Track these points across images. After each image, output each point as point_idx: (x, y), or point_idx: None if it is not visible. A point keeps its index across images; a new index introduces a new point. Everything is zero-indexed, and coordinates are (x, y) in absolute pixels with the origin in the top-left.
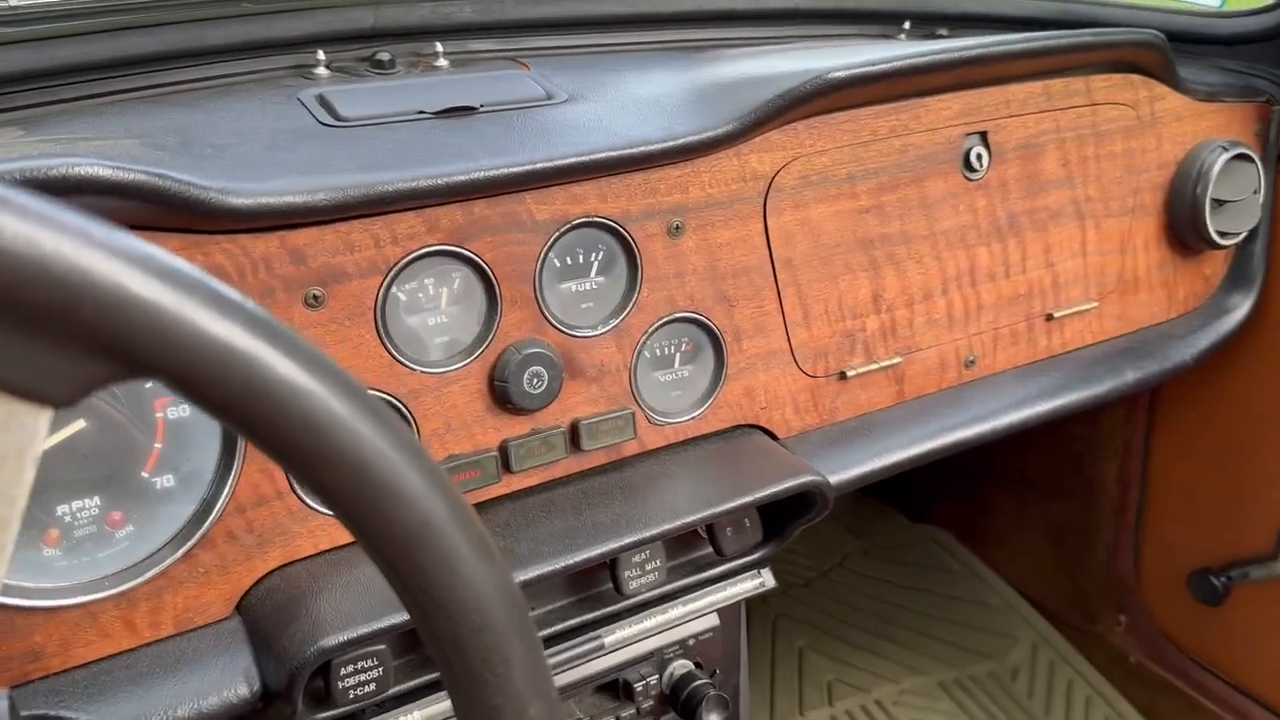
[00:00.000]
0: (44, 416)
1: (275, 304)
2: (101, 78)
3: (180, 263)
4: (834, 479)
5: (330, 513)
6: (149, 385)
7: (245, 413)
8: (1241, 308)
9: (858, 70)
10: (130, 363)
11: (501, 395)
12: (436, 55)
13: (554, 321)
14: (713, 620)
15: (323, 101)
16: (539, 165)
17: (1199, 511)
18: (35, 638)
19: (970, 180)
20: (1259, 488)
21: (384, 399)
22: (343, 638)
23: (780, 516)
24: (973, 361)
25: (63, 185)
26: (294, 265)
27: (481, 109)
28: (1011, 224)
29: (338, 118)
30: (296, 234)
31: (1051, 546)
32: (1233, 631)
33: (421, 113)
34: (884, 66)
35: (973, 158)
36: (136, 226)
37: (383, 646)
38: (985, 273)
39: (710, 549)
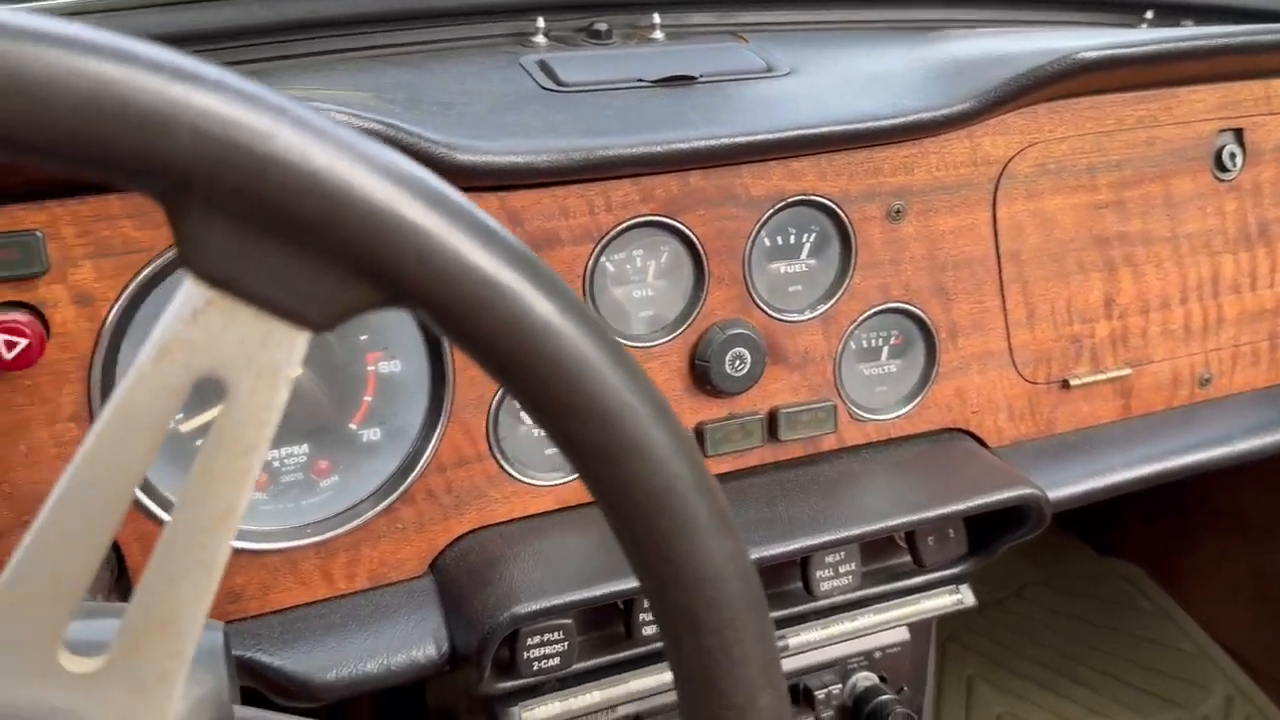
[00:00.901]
0: (301, 339)
1: None
2: (328, 35)
3: (449, 188)
4: (1053, 494)
5: (571, 471)
6: (363, 337)
7: (500, 352)
8: None
9: (1110, 52)
10: (392, 290)
11: (701, 375)
12: (653, 27)
13: (760, 303)
14: (902, 634)
15: (544, 67)
16: (759, 137)
17: None
18: (237, 579)
19: (1221, 181)
20: None
21: None
22: (535, 606)
23: (986, 530)
24: (1208, 380)
25: None
26: (511, 227)
27: (701, 79)
28: (1263, 232)
29: (559, 83)
30: (514, 195)
31: (1256, 593)
32: None
33: (640, 81)
34: (1139, 49)
35: (1225, 156)
36: None
37: (569, 621)
38: (1229, 283)
39: (908, 558)
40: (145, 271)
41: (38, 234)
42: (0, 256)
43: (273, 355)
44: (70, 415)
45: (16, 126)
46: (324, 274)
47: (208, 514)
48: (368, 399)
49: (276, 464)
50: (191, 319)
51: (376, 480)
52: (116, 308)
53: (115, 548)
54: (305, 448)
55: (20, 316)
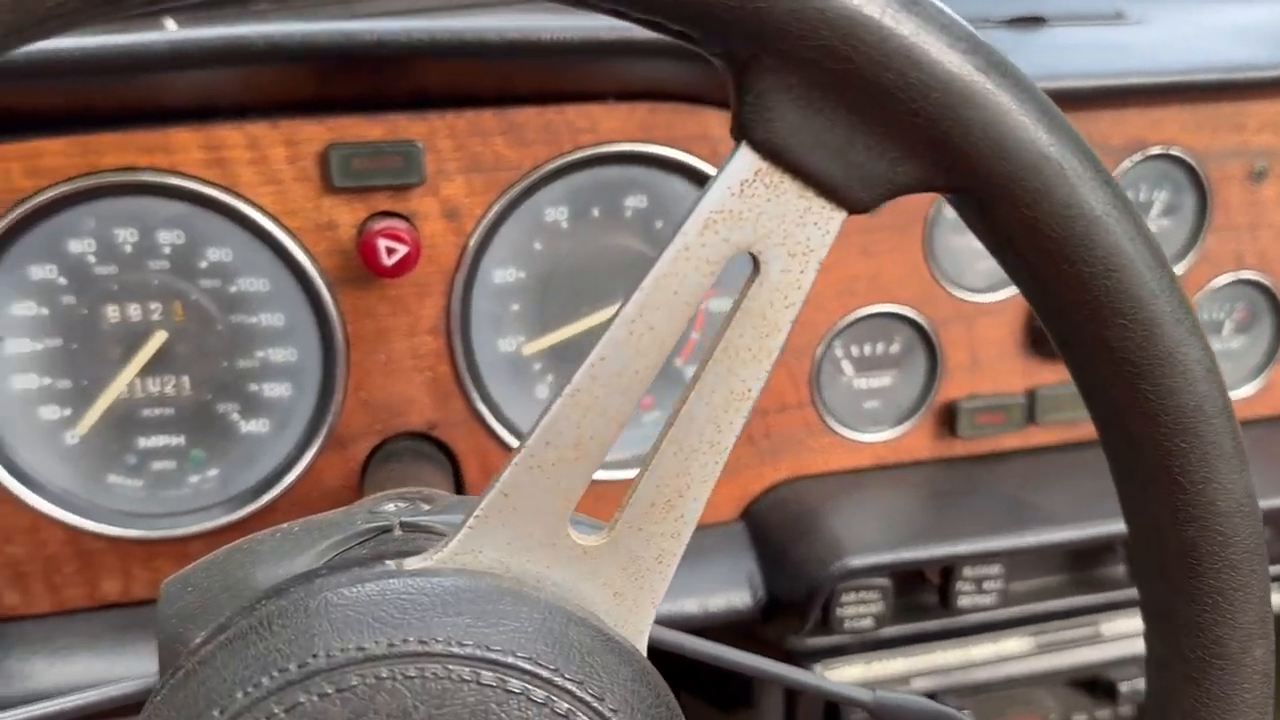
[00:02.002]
0: (837, 220)
1: None
2: None
3: (1015, 65)
4: None
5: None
6: None
7: (1048, 240)
8: None
9: None
10: (948, 168)
11: (1038, 336)
12: None
13: None
14: None
15: None
16: (1120, 81)
17: None
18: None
19: None
20: None
21: (913, 321)
22: (866, 561)
23: None
24: None
25: None
26: None
27: (1051, 20)
28: None
29: None
30: None
31: None
32: None
33: (987, 20)
34: None
35: None
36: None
37: (887, 582)
38: None
39: None
40: (513, 190)
41: (418, 144)
42: (385, 164)
43: (808, 234)
44: (429, 329)
45: None
46: (881, 149)
47: (725, 394)
48: (694, 335)
49: None
50: (738, 191)
51: None
52: (482, 225)
53: (453, 462)
54: None
55: (400, 224)
